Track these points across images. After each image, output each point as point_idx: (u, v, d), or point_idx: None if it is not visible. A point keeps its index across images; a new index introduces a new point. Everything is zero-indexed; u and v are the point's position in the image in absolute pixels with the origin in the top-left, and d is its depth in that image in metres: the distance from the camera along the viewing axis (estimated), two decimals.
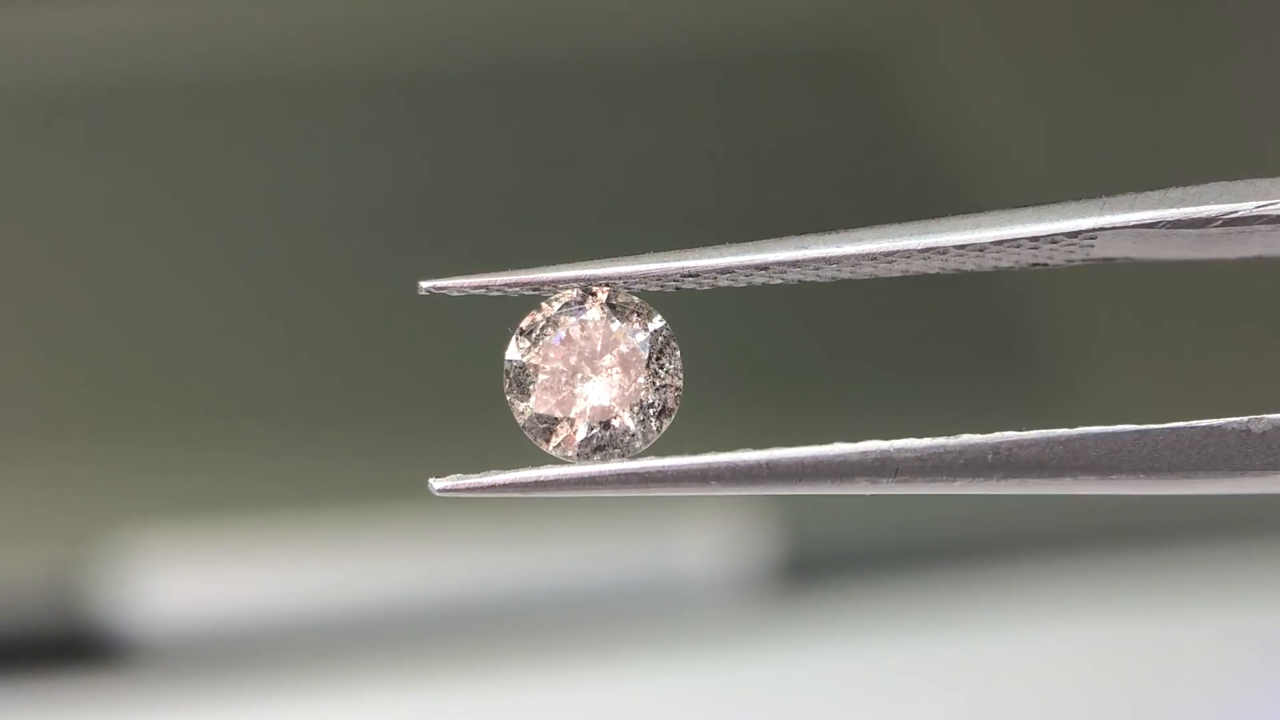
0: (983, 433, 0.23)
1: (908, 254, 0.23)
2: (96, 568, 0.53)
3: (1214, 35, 0.65)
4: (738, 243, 0.23)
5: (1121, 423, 0.22)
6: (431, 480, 0.22)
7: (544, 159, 0.61)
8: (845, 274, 0.23)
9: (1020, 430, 0.23)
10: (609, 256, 0.23)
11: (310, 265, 0.59)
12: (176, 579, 0.52)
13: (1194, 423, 0.23)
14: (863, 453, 0.23)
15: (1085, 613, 0.54)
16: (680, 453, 0.23)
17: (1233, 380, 0.59)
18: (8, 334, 0.58)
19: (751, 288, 0.23)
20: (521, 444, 0.24)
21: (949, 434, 0.23)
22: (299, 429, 0.56)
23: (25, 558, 0.53)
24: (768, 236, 0.23)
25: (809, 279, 0.23)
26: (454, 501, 0.54)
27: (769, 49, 0.63)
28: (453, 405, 0.56)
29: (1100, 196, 0.23)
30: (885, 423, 0.56)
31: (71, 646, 0.51)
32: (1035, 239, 0.23)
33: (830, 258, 0.22)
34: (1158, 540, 0.55)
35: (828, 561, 0.54)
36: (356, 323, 0.59)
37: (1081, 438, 0.23)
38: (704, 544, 0.54)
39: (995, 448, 0.23)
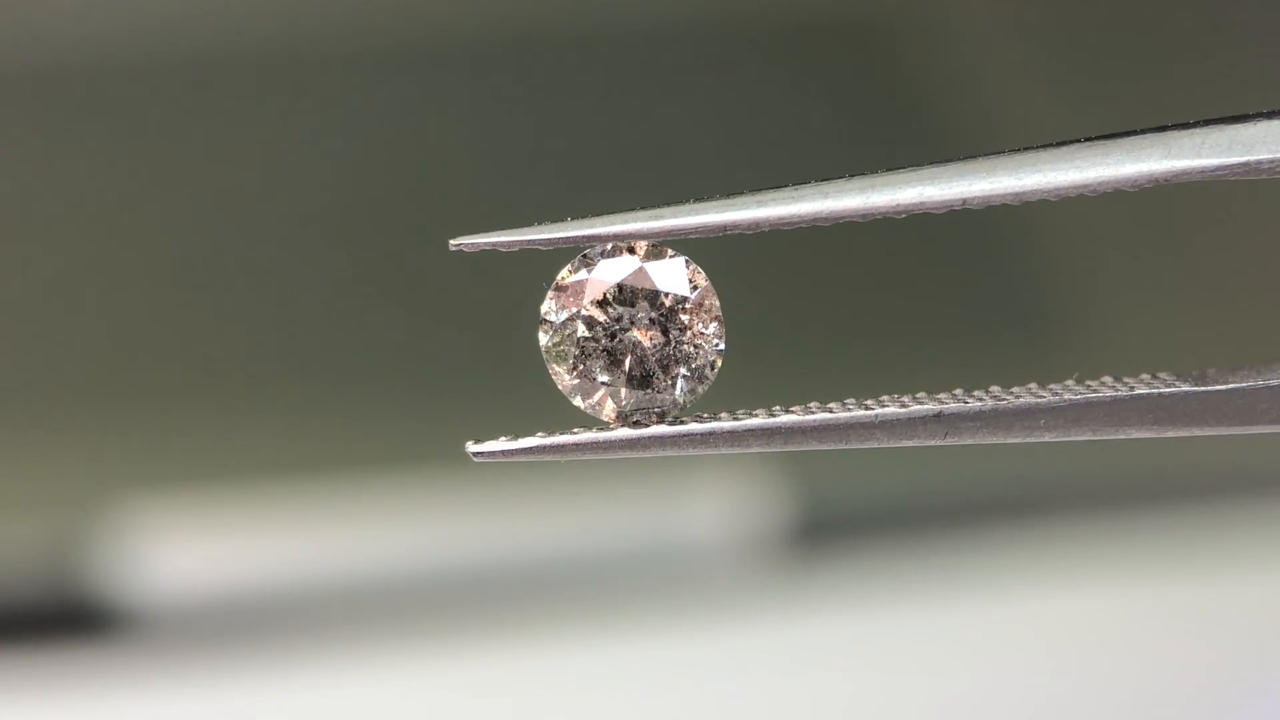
0: (1019, 376, 0.23)
1: (968, 198, 0.22)
2: (96, 537, 0.52)
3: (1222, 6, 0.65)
4: (783, 188, 0.22)
5: (1154, 359, 0.22)
6: (469, 444, 0.21)
7: (543, 128, 0.61)
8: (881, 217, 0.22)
9: (1071, 382, 0.23)
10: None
11: (313, 231, 0.59)
12: (177, 548, 0.52)
13: (1250, 384, 0.23)
14: (910, 416, 0.22)
15: (1099, 574, 0.53)
16: (713, 403, 0.22)
17: (1249, 320, 0.59)
18: (7, 301, 0.57)
19: (781, 232, 0.22)
20: (547, 403, 0.23)
21: (983, 374, 0.23)
22: (298, 397, 0.56)
23: (24, 527, 0.52)
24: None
25: (869, 220, 0.22)
26: (459, 467, 0.53)
27: (775, 18, 0.63)
28: (461, 369, 0.56)
29: (1166, 130, 0.22)
30: (913, 360, 0.55)
31: (71, 616, 0.51)
32: (1099, 185, 0.22)
33: (888, 207, 0.21)
34: (1173, 501, 0.55)
35: (840, 525, 0.54)
36: (358, 288, 0.58)
37: (1134, 399, 0.23)
38: (716, 508, 0.53)
39: (1048, 409, 0.23)
